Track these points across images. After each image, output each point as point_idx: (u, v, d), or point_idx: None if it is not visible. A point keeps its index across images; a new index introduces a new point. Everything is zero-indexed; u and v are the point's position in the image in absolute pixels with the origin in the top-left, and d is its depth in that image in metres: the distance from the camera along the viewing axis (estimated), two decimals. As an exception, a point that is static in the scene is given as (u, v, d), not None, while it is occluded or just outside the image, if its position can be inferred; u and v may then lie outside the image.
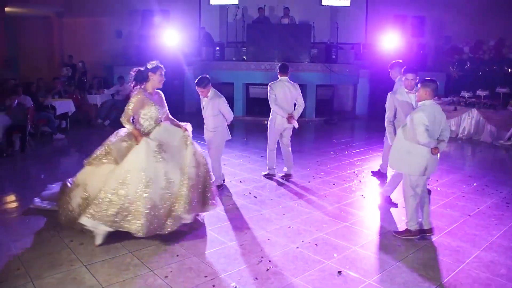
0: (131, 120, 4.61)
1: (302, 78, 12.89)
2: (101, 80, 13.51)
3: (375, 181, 6.79)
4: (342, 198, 5.86)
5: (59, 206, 4.67)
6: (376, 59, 12.85)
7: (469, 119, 10.58)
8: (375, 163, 7.81)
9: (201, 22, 15.74)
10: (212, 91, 5.95)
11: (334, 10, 15.64)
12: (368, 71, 13.64)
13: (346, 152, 8.77)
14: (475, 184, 6.72)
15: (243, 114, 13.14)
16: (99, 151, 4.63)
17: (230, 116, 6.15)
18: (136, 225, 4.13)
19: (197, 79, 5.91)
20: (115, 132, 4.77)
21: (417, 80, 5.22)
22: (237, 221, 4.96)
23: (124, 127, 4.64)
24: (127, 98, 12.03)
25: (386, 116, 5.66)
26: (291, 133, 6.72)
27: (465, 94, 11.09)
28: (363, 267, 3.91)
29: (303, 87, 13.05)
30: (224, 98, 6.03)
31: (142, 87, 4.67)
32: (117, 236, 4.36)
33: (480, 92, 10.86)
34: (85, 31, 15.10)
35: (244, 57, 13.59)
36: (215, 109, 5.97)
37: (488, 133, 10.22)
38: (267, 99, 6.57)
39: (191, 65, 13.74)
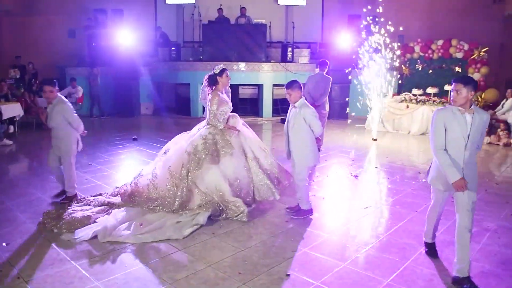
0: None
1: (259, 78, 12.96)
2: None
3: (331, 182, 6.89)
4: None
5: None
6: (333, 58, 13.03)
7: (420, 116, 10.92)
8: (330, 162, 7.94)
9: (157, 22, 15.51)
10: (57, 97, 5.47)
11: (290, 9, 15.77)
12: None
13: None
14: (424, 180, 6.93)
15: (200, 115, 13.04)
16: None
17: (79, 125, 5.59)
18: None
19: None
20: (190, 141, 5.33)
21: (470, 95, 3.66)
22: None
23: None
24: (79, 101, 11.85)
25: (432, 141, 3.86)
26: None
27: (416, 92, 11.45)
28: (312, 269, 3.95)
29: (260, 87, 13.20)
30: (70, 105, 5.57)
31: (214, 88, 5.40)
32: (63, 248, 4.24)
33: (430, 90, 11.23)
34: (35, 31, 14.61)
35: (201, 57, 13.49)
36: (59, 117, 5.41)
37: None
38: None
39: (147, 66, 13.52)
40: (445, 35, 12.91)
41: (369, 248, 4.43)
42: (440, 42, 12.72)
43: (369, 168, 7.88)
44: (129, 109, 13.09)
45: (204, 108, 6.83)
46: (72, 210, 5.11)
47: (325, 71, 8.71)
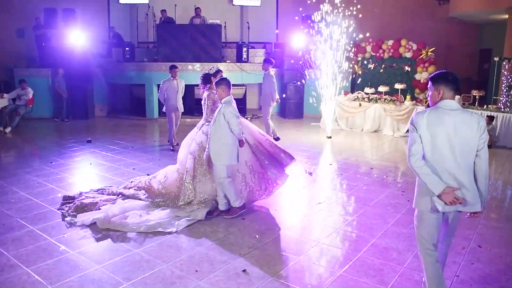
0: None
1: (215, 78, 12.95)
2: (0, 83, 12.55)
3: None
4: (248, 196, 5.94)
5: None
6: (287, 57, 13.23)
7: (372, 114, 11.27)
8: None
9: (110, 22, 15.20)
10: None
11: (245, 10, 15.87)
12: (279, 69, 14.00)
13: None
14: (375, 175, 7.20)
15: (156, 116, 12.91)
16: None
17: None
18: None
19: None
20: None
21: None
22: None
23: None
24: (30, 103, 11.42)
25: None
26: (179, 116, 8.97)
27: (368, 90, 11.81)
28: (267, 263, 4.04)
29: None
30: None
31: (209, 87, 5.87)
32: (13, 252, 4.13)
33: (381, 88, 11.63)
34: (-20, 31, 13.96)
35: (156, 58, 13.34)
36: None
37: (389, 126, 10.97)
38: None
39: (100, 67, 13.23)
40: (395, 35, 13.40)
41: (323, 241, 4.57)
42: (390, 42, 13.19)
43: (324, 165, 8.07)
44: (83, 111, 12.75)
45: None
46: (85, 196, 5.49)
47: (268, 70, 9.28)
